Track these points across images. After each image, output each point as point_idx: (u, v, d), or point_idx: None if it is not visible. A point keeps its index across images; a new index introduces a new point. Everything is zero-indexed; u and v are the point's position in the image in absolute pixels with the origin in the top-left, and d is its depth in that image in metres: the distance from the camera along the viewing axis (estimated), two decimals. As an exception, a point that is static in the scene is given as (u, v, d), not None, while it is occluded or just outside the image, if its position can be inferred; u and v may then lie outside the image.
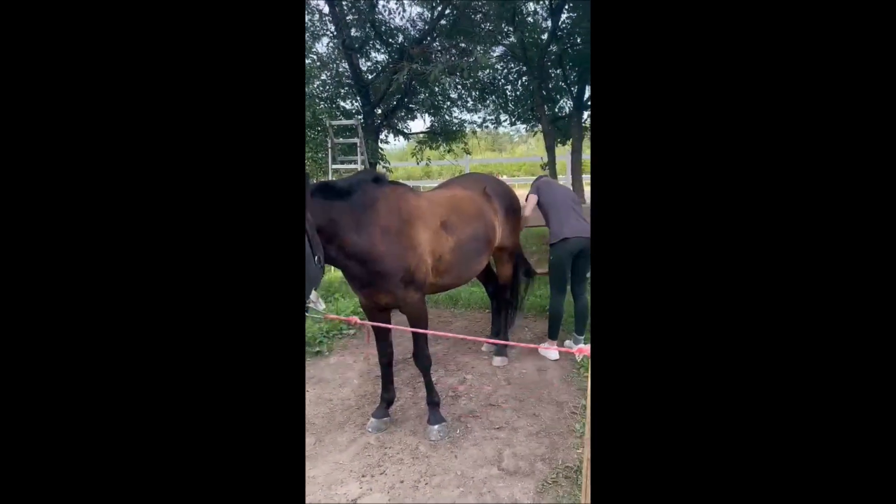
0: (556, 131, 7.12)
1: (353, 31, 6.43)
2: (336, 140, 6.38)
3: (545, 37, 6.39)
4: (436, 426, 2.33)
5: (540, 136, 7.37)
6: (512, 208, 3.02)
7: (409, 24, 6.79)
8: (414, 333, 2.32)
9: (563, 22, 6.32)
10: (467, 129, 8.42)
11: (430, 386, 2.40)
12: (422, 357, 2.36)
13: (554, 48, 6.33)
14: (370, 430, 2.40)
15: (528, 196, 3.20)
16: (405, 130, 8.24)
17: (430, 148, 8.31)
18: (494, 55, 6.45)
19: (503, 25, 6.12)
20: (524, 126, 8.39)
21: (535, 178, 3.53)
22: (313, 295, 1.88)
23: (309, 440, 2.34)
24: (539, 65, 6.28)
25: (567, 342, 3.28)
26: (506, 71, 7.30)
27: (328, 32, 6.62)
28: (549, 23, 6.28)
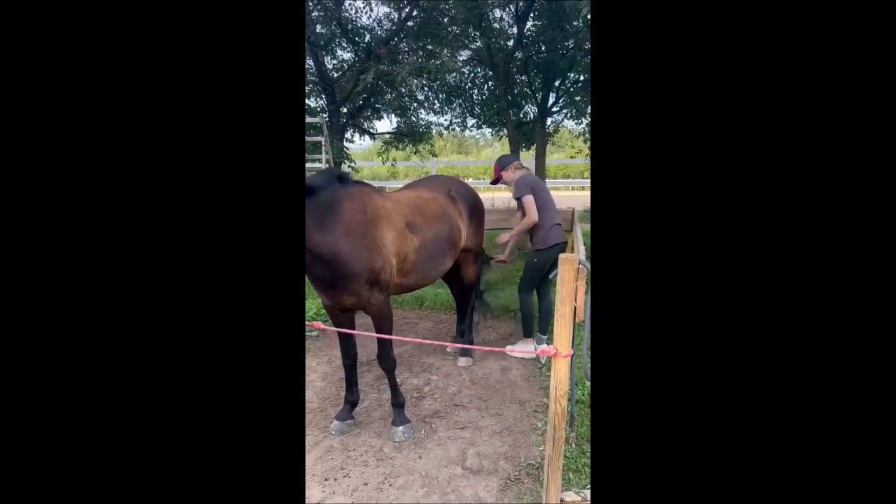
0: (521, 136, 7.26)
1: (318, 27, 6.31)
2: (300, 138, 6.24)
3: (511, 43, 6.51)
4: (400, 427, 2.32)
5: (505, 140, 7.49)
6: (476, 210, 3.06)
7: (375, 24, 6.75)
8: (379, 333, 2.31)
9: (529, 29, 6.47)
10: (434, 131, 8.45)
11: (394, 387, 2.39)
12: (386, 359, 2.35)
13: (519, 55, 6.46)
14: (333, 432, 2.36)
15: (523, 198, 3.00)
16: (371, 130, 8.17)
17: (397, 149, 8.28)
18: (461, 59, 6.51)
19: (470, 30, 6.19)
20: (490, 130, 8.50)
21: (517, 173, 3.19)
22: None
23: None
24: (504, 70, 6.39)
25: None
26: (472, 75, 7.39)
27: (292, 28, 6.46)
28: (515, 30, 6.41)
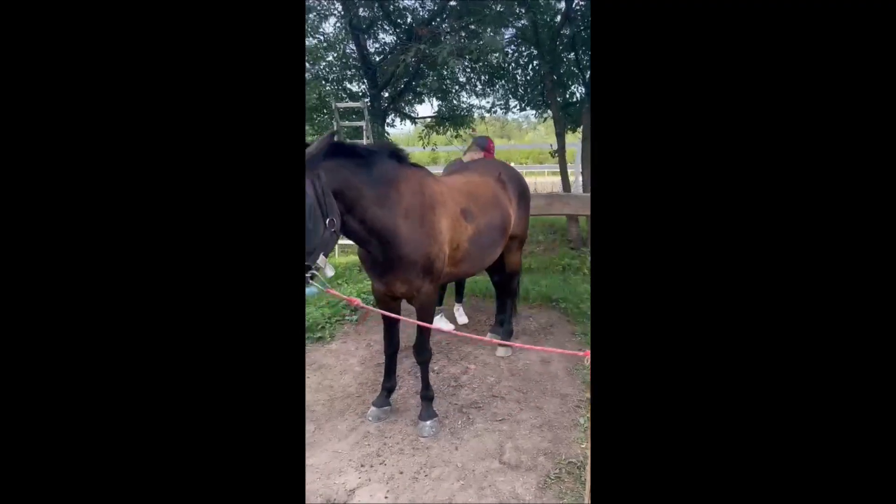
0: (567, 118, 6.93)
1: (360, 10, 6.26)
2: (342, 123, 6.28)
3: (558, 19, 6.19)
4: (428, 422, 2.27)
5: (549, 122, 7.21)
6: (524, 196, 2.94)
7: (418, 4, 6.61)
8: (419, 325, 2.27)
9: (577, 3, 6.11)
10: (476, 115, 8.25)
11: (426, 380, 2.34)
12: (423, 350, 2.30)
13: (567, 31, 6.13)
14: (370, 418, 2.37)
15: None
16: (412, 114, 8.09)
17: (437, 133, 8.16)
18: (505, 37, 6.26)
19: (515, 6, 5.93)
20: (533, 112, 8.20)
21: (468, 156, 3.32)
22: (321, 260, 1.71)
23: (308, 427, 2.31)
24: (551, 48, 6.09)
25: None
26: (516, 55, 7.11)
27: (335, 12, 6.46)
28: (563, 4, 6.08)
